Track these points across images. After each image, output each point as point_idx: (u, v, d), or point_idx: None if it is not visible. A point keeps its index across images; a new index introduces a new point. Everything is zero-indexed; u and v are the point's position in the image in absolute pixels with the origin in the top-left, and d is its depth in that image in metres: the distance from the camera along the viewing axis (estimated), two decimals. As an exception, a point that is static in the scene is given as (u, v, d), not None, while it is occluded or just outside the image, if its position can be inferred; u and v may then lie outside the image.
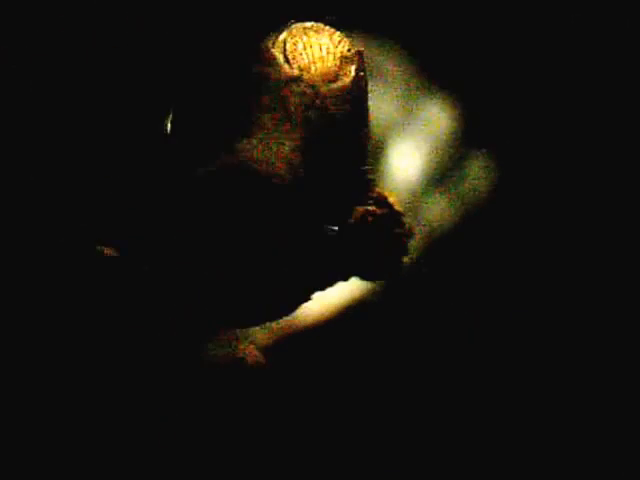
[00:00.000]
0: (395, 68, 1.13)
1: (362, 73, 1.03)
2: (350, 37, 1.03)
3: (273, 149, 0.98)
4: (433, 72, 1.19)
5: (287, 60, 1.01)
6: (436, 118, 1.19)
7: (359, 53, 1.03)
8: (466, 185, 1.16)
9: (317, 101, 1.00)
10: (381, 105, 1.18)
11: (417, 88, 1.19)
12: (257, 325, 1.03)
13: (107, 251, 0.97)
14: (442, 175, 1.16)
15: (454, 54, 1.19)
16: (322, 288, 1.03)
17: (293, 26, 1.04)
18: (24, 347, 0.98)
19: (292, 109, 0.99)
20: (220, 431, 0.98)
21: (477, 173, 1.17)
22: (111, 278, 0.97)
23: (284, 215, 0.97)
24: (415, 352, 1.07)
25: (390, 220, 1.04)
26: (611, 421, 1.06)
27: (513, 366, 1.08)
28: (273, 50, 1.02)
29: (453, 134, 1.18)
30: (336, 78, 1.01)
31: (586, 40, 1.19)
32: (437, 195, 1.14)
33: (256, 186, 0.98)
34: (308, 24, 1.05)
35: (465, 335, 1.08)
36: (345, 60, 1.02)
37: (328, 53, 1.02)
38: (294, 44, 1.02)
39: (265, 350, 1.03)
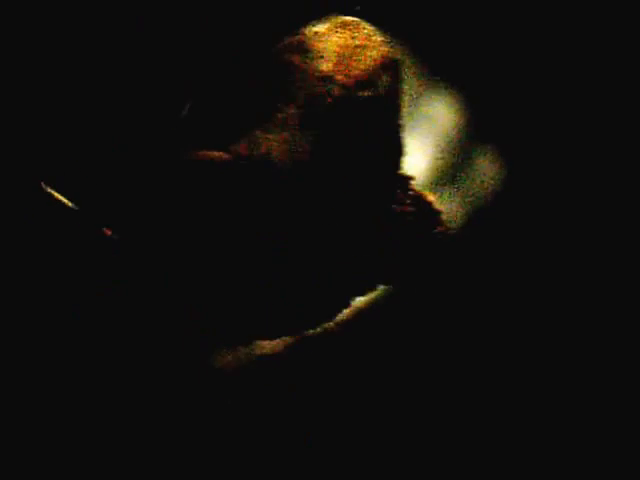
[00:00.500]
0: (403, 66, 1.10)
1: (397, 83, 0.99)
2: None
3: (292, 148, 0.94)
4: (441, 69, 1.17)
5: (322, 56, 0.97)
6: (445, 116, 1.17)
7: (396, 62, 0.99)
8: (475, 182, 1.15)
9: (347, 106, 0.96)
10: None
11: (425, 86, 1.17)
12: (299, 331, 1.00)
13: (108, 232, 0.94)
14: (451, 172, 1.15)
15: (463, 52, 1.17)
16: (362, 293, 1.00)
17: (334, 18, 1.00)
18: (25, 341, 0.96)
19: (320, 110, 0.95)
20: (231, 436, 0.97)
21: (486, 170, 1.16)
22: (112, 262, 0.94)
23: (302, 214, 0.94)
24: (432, 352, 1.06)
25: (429, 219, 1.02)
26: (616, 428, 1.07)
27: (528, 361, 1.08)
28: (310, 42, 0.97)
29: (462, 131, 1.17)
30: (369, 85, 0.97)
31: (595, 38, 1.18)
32: (446, 192, 1.13)
33: (269, 182, 0.94)
34: (349, 19, 1.00)
35: (477, 331, 1.07)
36: (382, 67, 0.98)
37: (366, 57, 0.97)
38: (332, 40, 0.98)
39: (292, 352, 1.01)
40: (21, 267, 0.98)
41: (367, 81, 0.97)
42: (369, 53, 0.98)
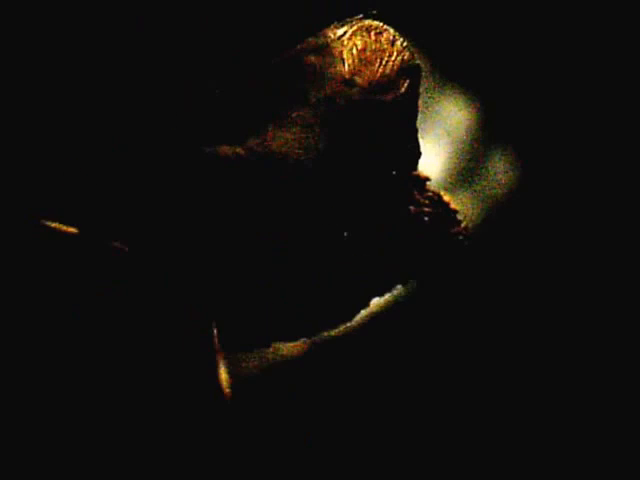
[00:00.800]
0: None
1: (417, 88, 0.97)
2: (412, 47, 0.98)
3: (306, 146, 0.93)
4: (454, 70, 1.17)
5: (342, 58, 0.95)
6: (459, 117, 1.17)
7: (417, 67, 0.97)
8: (489, 182, 1.15)
9: (365, 110, 0.94)
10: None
11: (438, 87, 1.16)
12: (317, 333, 0.99)
13: (118, 245, 0.93)
14: (466, 173, 1.15)
15: (475, 52, 1.18)
16: (380, 294, 0.99)
17: (356, 21, 0.98)
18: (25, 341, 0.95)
19: (337, 112, 0.93)
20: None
21: (500, 171, 1.16)
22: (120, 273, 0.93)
23: (317, 213, 0.92)
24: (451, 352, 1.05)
25: (446, 219, 1.00)
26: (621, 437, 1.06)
27: (547, 360, 1.07)
28: (331, 44, 0.96)
29: (476, 132, 1.17)
30: (389, 89, 0.95)
31: (607, 39, 1.18)
32: (460, 193, 1.12)
33: (282, 178, 0.92)
34: (372, 23, 0.99)
35: (492, 331, 1.06)
36: (402, 72, 0.96)
37: (387, 61, 0.96)
38: (353, 43, 0.96)
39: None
40: (21, 267, 0.97)
41: (387, 85, 0.95)
42: (390, 58, 0.97)
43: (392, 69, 0.96)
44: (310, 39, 0.97)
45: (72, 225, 0.95)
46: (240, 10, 1.05)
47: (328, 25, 0.98)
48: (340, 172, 0.93)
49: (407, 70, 0.97)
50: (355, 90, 0.94)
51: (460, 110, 1.16)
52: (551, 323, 1.08)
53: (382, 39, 0.97)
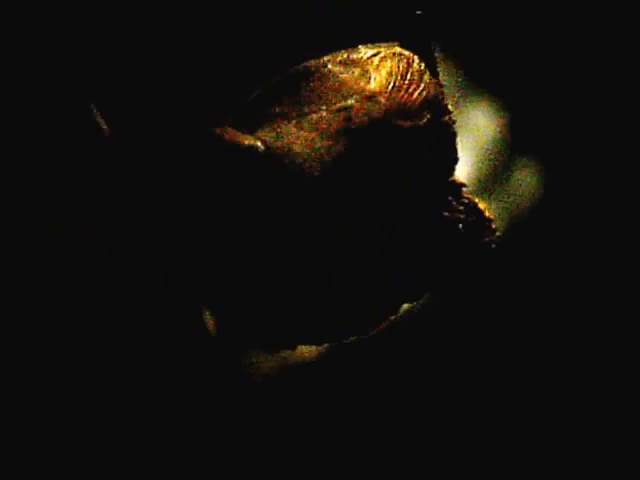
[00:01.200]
0: (443, 77, 1.10)
1: (445, 121, 0.97)
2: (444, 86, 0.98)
3: (317, 150, 0.92)
4: (483, 79, 1.17)
5: (370, 76, 0.95)
6: (484, 125, 1.18)
7: (442, 103, 0.97)
8: (513, 192, 1.15)
9: (382, 129, 0.93)
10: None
11: (467, 95, 1.17)
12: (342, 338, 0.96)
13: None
14: (492, 181, 1.15)
15: (501, 62, 1.18)
16: (410, 300, 0.98)
17: (391, 46, 0.99)
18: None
19: (355, 124, 0.93)
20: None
21: (526, 180, 1.16)
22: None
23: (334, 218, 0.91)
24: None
25: (480, 227, 0.98)
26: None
27: (576, 366, 1.05)
28: (363, 61, 0.96)
29: (502, 141, 1.17)
30: (409, 117, 0.95)
31: (633, 52, 1.18)
32: (484, 202, 1.12)
33: (286, 178, 0.91)
34: (405, 52, 0.99)
35: (519, 337, 1.04)
36: (426, 104, 0.96)
37: (413, 91, 0.96)
38: (384, 65, 0.97)
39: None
40: (21, 266, 0.94)
41: (408, 113, 0.95)
42: (417, 89, 0.97)
43: (416, 99, 0.96)
44: (343, 51, 0.97)
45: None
46: (281, 16, 1.05)
47: (363, 42, 0.98)
48: (349, 180, 0.92)
49: (431, 104, 0.97)
50: (376, 108, 0.94)
51: (488, 120, 1.16)
52: (573, 332, 1.07)
53: (412, 69, 0.98)
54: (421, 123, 0.96)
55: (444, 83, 1.03)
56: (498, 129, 1.18)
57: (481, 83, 1.19)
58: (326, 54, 0.97)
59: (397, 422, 1.01)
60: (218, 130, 0.93)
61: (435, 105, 0.97)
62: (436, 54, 1.04)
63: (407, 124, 0.95)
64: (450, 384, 1.03)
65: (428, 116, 0.96)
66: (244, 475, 0.94)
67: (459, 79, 1.17)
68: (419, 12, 1.01)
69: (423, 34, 1.03)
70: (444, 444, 1.02)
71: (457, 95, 1.16)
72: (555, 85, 1.20)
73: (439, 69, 1.05)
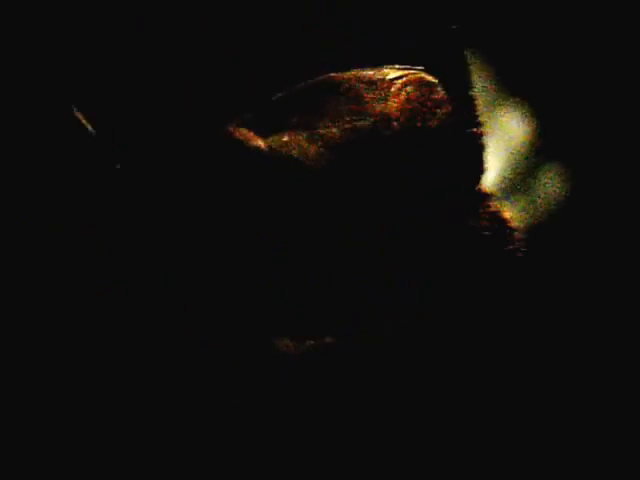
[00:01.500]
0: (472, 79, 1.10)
1: (473, 133, 0.98)
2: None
3: (319, 162, 0.94)
4: (512, 84, 1.17)
5: (388, 100, 0.97)
6: (511, 129, 1.18)
7: (475, 119, 0.99)
8: (543, 199, 1.14)
9: (390, 153, 0.96)
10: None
11: (495, 102, 1.17)
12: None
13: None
14: (519, 188, 1.15)
15: (531, 65, 1.17)
16: (432, 307, 0.98)
17: (415, 71, 1.00)
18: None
19: (364, 144, 0.95)
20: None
21: (551, 184, 1.16)
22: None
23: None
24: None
25: (504, 237, 1.00)
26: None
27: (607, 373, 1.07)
28: (384, 83, 0.98)
29: (529, 148, 1.17)
30: (425, 144, 0.97)
31: None
32: (510, 205, 1.12)
33: (287, 185, 0.94)
34: (428, 78, 1.00)
35: (540, 345, 1.06)
36: (439, 134, 0.98)
37: (429, 119, 0.98)
38: (405, 90, 0.98)
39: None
40: (21, 266, 0.97)
41: (420, 141, 0.97)
42: (433, 117, 0.98)
43: (431, 126, 0.98)
44: (368, 69, 0.99)
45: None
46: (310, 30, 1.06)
47: (387, 64, 0.99)
48: (351, 188, 0.94)
49: (447, 135, 0.98)
50: (389, 132, 0.95)
51: (517, 125, 1.15)
52: (596, 342, 1.07)
53: (433, 97, 0.99)
54: (435, 147, 0.97)
55: (476, 90, 1.04)
56: (527, 136, 1.17)
57: (512, 89, 1.18)
58: (352, 67, 0.99)
59: (397, 422, 1.00)
60: (231, 127, 0.95)
61: (454, 128, 0.99)
62: (469, 64, 1.04)
63: (419, 148, 0.97)
64: (454, 387, 1.01)
65: (442, 145, 0.98)
66: (244, 475, 0.96)
67: (489, 85, 1.16)
68: (455, 27, 1.02)
69: (458, 48, 1.04)
70: (444, 444, 1.01)
71: (487, 100, 1.15)
72: (586, 92, 1.17)
73: (472, 78, 1.06)
